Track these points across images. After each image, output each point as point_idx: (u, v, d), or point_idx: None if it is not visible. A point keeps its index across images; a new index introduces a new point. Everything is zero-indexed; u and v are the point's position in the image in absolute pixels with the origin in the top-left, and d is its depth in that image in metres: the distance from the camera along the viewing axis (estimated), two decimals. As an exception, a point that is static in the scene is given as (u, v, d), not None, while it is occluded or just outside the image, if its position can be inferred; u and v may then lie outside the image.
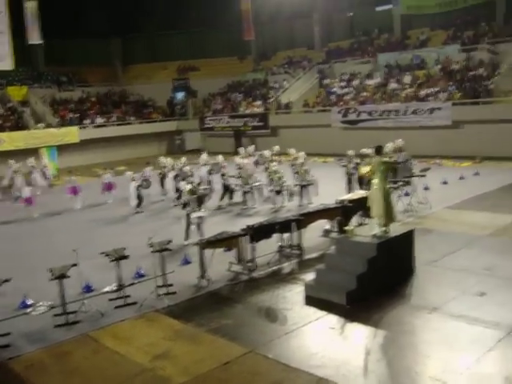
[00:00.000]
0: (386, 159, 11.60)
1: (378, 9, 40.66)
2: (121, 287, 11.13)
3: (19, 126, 37.14)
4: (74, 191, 21.58)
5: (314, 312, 10.01)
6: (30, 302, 11.16)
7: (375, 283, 10.39)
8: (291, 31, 45.62)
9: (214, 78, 44.10)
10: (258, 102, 39.37)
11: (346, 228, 11.57)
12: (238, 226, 13.74)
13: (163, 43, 47.51)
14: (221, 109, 41.69)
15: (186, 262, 13.15)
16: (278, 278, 12.03)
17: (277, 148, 23.09)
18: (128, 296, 11.04)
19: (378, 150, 11.32)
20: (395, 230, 11.41)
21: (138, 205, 19.76)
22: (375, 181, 11.05)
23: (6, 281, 10.15)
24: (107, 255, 11.25)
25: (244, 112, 39.44)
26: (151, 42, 47.89)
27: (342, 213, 14.20)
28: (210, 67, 45.94)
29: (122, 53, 48.21)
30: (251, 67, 46.05)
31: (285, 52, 45.14)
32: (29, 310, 10.95)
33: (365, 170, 12.13)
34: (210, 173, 21.10)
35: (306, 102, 37.18)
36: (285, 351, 8.64)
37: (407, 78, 33.32)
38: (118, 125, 40.76)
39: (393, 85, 33.44)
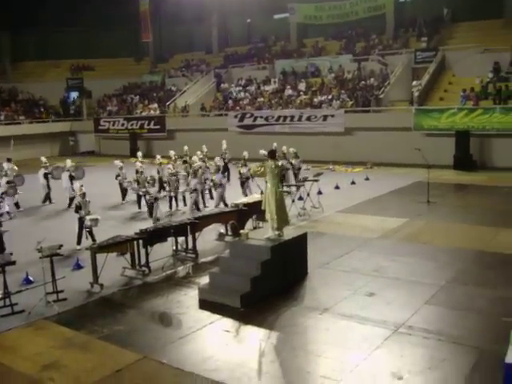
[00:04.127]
0: (279, 163, 11.80)
1: (276, 17, 41.49)
2: (7, 295, 10.57)
3: None
4: None
5: (208, 316, 10.00)
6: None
7: (269, 286, 10.55)
8: (190, 35, 45.53)
9: (109, 78, 43.16)
10: (155, 105, 38.96)
11: (241, 231, 11.67)
12: (132, 229, 13.52)
13: (56, 40, 45.82)
14: (116, 110, 40.87)
15: (78, 266, 12.74)
16: (172, 282, 11.93)
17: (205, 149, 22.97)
18: (15, 304, 10.50)
19: (272, 154, 11.49)
20: (289, 233, 11.66)
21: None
22: (268, 185, 11.24)
23: None
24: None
25: (140, 114, 38.86)
26: (44, 38, 46.04)
27: (237, 216, 14.33)
28: (106, 67, 44.94)
29: (11, 48, 45.98)
30: (148, 69, 45.55)
31: (183, 55, 45.02)
32: None
33: (255, 169, 12.23)
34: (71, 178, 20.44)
35: (203, 105, 37.21)
36: (179, 356, 8.57)
37: (302, 85, 34.22)
38: (7, 124, 38.86)
39: (289, 91, 34.19)
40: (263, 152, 18.42)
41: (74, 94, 44.43)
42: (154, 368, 8.25)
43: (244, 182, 18.98)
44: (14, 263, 10.76)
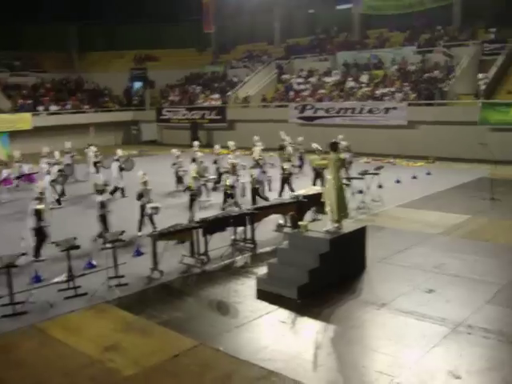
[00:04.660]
0: (342, 156, 11.70)
1: (339, 7, 40.98)
2: (71, 278, 10.94)
3: (-31, 111, 36.14)
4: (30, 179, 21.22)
5: (264, 306, 10.04)
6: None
7: (327, 278, 10.50)
8: (252, 25, 45.59)
9: (172, 69, 43.71)
10: (216, 95, 39.24)
11: (300, 223, 11.64)
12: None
13: (122, 31, 46.79)
14: (178, 100, 41.39)
15: (139, 253, 13.03)
16: (230, 272, 12.05)
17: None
18: (78, 287, 10.86)
19: (334, 147, 11.40)
20: (348, 226, 11.56)
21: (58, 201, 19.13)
22: (329, 177, 11.16)
23: None
24: (57, 245, 11.05)
25: (201, 105, 39.24)
26: (109, 29, 47.07)
27: (296, 208, 14.30)
28: (169, 58, 45.55)
29: (78, 39, 47.23)
30: (210, 60, 45.86)
31: (245, 46, 45.11)
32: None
33: (319, 162, 12.16)
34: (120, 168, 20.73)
35: (263, 96, 37.26)
36: (235, 344, 8.65)
37: (364, 77, 33.76)
38: (73, 113, 40.00)
39: (350, 83, 33.81)
40: (315, 146, 18.32)
41: (138, 84, 45.18)
42: (210, 355, 8.36)
43: (287, 177, 18.46)
44: (78, 247, 11.10)
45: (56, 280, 11.35)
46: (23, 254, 10.55)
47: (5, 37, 41.29)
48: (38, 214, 12.28)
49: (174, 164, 21.15)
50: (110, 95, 44.53)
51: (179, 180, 20.90)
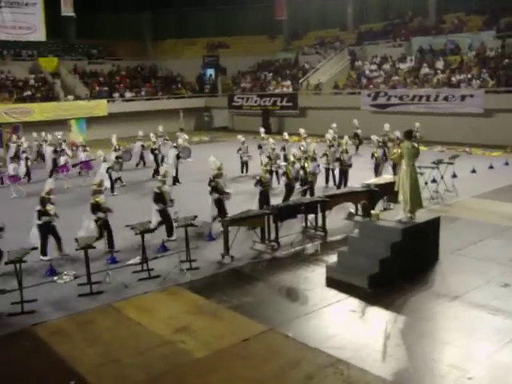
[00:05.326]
0: (416, 144, 11.45)
1: (414, -9, 39.86)
2: (145, 260, 11.26)
3: (50, 97, 37.49)
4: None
5: (334, 294, 10.03)
6: (56, 270, 11.36)
7: (398, 268, 10.36)
8: (324, 11, 45.08)
9: (243, 56, 43.88)
10: (288, 82, 39.12)
11: (372, 212, 11.50)
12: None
13: (193, 19, 47.25)
14: (250, 87, 41.56)
15: (211, 238, 13.24)
16: (300, 259, 12.08)
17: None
18: (152, 269, 11.18)
19: (408, 135, 11.18)
20: (421, 216, 11.33)
21: (112, 189, 19.14)
22: (403, 166, 10.96)
23: (34, 248, 10.33)
24: (132, 228, 11.39)
25: (273, 91, 39.25)
26: (181, 17, 47.65)
27: (368, 197, 14.15)
28: (240, 45, 45.71)
29: (152, 27, 48.12)
30: (282, 46, 45.72)
31: (317, 32, 44.67)
32: (55, 278, 11.16)
33: (392, 155, 12.02)
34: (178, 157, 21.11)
35: (336, 83, 36.87)
36: (304, 331, 8.69)
37: (440, 63, 32.80)
38: (147, 99, 40.89)
39: (425, 69, 32.94)
40: (375, 138, 18.15)
41: (210, 71, 45.63)
42: (279, 340, 8.44)
43: (346, 170, 18.04)
44: (152, 231, 11.40)
45: (130, 262, 11.73)
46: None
47: (83, 26, 42.56)
48: (97, 206, 12.39)
49: (240, 150, 21.63)
50: (183, 82, 45.19)
51: (244, 165, 21.46)
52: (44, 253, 12.08)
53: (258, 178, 14.38)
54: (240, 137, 22.14)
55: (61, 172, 21.55)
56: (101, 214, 12.18)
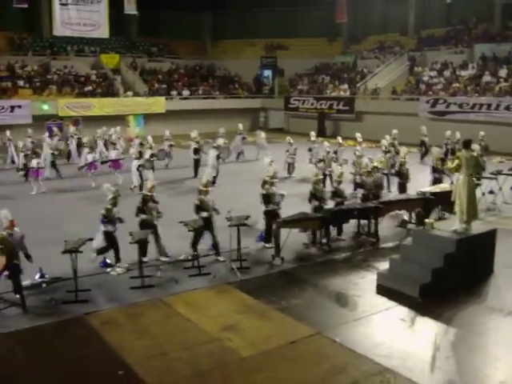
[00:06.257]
0: (475, 154, 11.21)
1: (479, -3, 38.93)
2: (196, 257, 11.39)
3: (109, 92, 38.36)
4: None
5: (384, 301, 9.94)
6: (109, 262, 11.63)
7: (451, 279, 10.16)
8: (385, 15, 44.47)
9: (301, 58, 43.85)
10: (345, 86, 38.87)
11: (426, 220, 11.32)
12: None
13: (253, 20, 47.41)
14: (306, 90, 41.48)
15: (262, 239, 13.25)
16: (351, 264, 12.00)
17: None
18: (202, 266, 11.31)
19: (467, 144, 10.96)
20: (477, 227, 11.08)
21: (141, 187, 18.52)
22: (461, 175, 10.75)
23: (90, 239, 10.59)
24: (186, 225, 11.51)
25: (330, 95, 39.07)
26: (241, 17, 47.87)
27: (423, 205, 13.92)
28: (299, 47, 45.65)
29: (212, 27, 48.59)
30: (340, 50, 45.45)
31: (376, 36, 44.19)
32: (108, 269, 11.43)
33: (449, 165, 11.77)
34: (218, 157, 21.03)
35: (393, 89, 36.39)
36: (352, 337, 8.64)
37: (503, 71, 31.94)
38: (204, 98, 41.32)
39: (487, 77, 32.15)
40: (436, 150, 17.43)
41: (268, 72, 45.75)
42: (326, 345, 8.41)
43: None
44: (204, 228, 11.50)
45: (182, 258, 11.88)
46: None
47: (144, 24, 43.40)
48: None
49: (287, 151, 21.75)
50: (240, 82, 45.46)
51: (289, 166, 21.63)
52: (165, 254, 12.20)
53: (311, 191, 13.60)
54: (288, 138, 22.28)
55: (88, 170, 20.94)
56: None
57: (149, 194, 12.04)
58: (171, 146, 24.80)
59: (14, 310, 9.58)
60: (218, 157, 20.97)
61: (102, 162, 21.75)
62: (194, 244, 11.48)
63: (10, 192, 19.33)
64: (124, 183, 19.17)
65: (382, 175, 16.16)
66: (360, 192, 15.13)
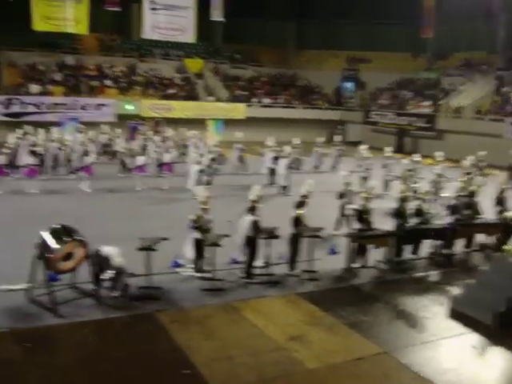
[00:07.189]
0: None
1: None
2: (267, 265, 11.45)
3: (191, 96, 39.21)
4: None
5: (456, 326, 9.68)
6: (181, 262, 11.81)
7: (528, 310, 9.78)
8: (472, 33, 43.19)
9: (384, 72, 43.24)
10: (427, 103, 38.13)
11: (505, 247, 10.95)
12: (387, 224, 13.51)
13: (337, 31, 47.12)
14: (387, 104, 40.97)
15: (333, 251, 13.21)
16: (423, 285, 11.76)
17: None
18: (273, 274, 11.37)
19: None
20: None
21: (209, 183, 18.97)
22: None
23: (165, 239, 10.85)
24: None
25: (411, 111, 38.41)
26: (325, 28, 47.69)
27: (503, 230, 13.47)
28: (382, 61, 45.06)
29: (295, 36, 48.74)
30: (424, 66, 44.59)
31: (462, 53, 43.08)
32: (179, 269, 11.64)
33: None
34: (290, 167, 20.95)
35: (477, 108, 35.38)
36: (419, 360, 8.46)
37: None
38: (284, 107, 41.53)
39: None
40: None
41: (349, 85, 45.50)
42: (392, 365, 8.29)
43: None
44: (277, 237, 11.55)
45: (255, 264, 11.93)
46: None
47: (229, 30, 44.04)
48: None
49: (361, 165, 21.43)
50: (321, 93, 45.40)
51: (363, 181, 20.66)
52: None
53: (396, 207, 13.33)
54: (364, 152, 22.16)
55: (137, 172, 20.67)
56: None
57: (204, 207, 11.50)
58: (243, 151, 24.93)
59: (89, 300, 9.94)
60: (290, 167, 20.99)
61: (158, 165, 21.77)
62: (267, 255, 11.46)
63: (113, 186, 20.39)
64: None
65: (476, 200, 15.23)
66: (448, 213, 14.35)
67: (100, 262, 9.94)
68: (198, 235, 11.20)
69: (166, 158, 21.61)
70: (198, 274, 11.29)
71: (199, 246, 11.27)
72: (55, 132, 24.75)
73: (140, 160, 20.62)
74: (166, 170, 21.31)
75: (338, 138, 28.27)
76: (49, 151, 22.11)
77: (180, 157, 23.78)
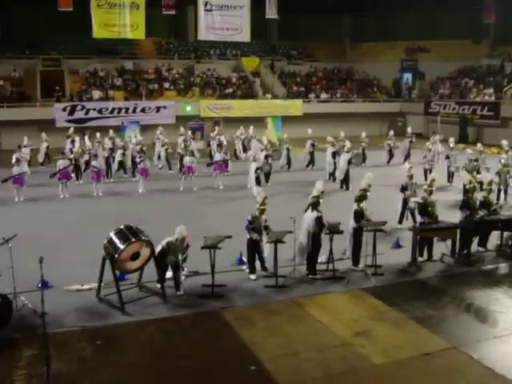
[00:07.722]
0: None
1: None
2: (330, 260, 11.38)
3: (249, 94, 39.36)
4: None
5: (531, 321, 9.35)
6: (244, 259, 11.88)
7: None
8: (539, 15, 41.72)
9: (444, 61, 42.17)
10: (490, 90, 36.95)
11: None
12: (454, 216, 13.19)
13: (393, 22, 46.28)
14: (448, 94, 39.95)
15: (397, 245, 13.01)
16: (493, 278, 11.44)
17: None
18: (336, 270, 11.28)
19: None
20: None
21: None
22: None
23: (229, 237, 10.92)
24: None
25: (473, 99, 37.34)
26: (382, 20, 46.93)
27: None
28: (441, 49, 43.92)
29: (351, 30, 48.21)
30: (486, 52, 43.24)
31: (527, 37, 41.55)
32: (243, 267, 11.71)
33: None
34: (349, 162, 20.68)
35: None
36: (491, 355, 8.22)
37: None
38: (342, 102, 41.12)
39: None
40: None
41: (408, 76, 44.62)
42: (462, 361, 8.09)
43: None
44: (341, 232, 11.44)
45: (319, 260, 11.87)
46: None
47: (284, 27, 43.98)
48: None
49: (425, 157, 21.14)
50: (379, 86, 44.72)
51: (426, 173, 20.31)
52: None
53: (464, 199, 13.13)
54: (428, 144, 21.93)
55: (187, 173, 20.62)
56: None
57: (262, 207, 11.39)
58: (288, 149, 24.90)
59: (155, 299, 10.16)
60: (350, 161, 20.76)
61: (208, 165, 21.76)
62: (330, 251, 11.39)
63: (166, 187, 20.77)
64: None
65: None
66: None
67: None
68: (254, 235, 11.18)
69: (218, 156, 21.75)
70: (265, 273, 11.34)
71: (256, 246, 11.27)
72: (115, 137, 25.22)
73: (189, 160, 20.62)
74: (217, 170, 21.08)
75: (409, 130, 28.00)
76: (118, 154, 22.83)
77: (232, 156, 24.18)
